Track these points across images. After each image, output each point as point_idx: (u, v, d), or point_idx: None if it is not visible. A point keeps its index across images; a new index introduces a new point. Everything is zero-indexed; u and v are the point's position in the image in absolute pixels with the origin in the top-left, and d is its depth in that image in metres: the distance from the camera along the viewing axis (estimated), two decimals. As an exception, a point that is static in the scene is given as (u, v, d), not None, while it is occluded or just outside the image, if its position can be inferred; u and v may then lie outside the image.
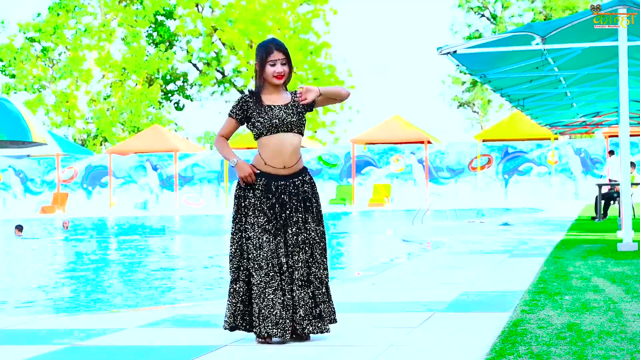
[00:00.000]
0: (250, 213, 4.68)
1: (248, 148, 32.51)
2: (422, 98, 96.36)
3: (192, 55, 48.54)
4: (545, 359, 3.94)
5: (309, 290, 4.65)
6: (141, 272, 11.23)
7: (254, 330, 4.64)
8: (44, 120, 45.71)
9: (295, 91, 4.87)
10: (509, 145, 31.91)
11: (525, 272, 7.73)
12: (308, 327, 4.62)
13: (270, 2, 44.69)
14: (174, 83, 49.64)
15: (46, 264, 13.26)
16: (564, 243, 11.06)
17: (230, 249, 4.74)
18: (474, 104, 53.29)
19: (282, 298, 4.59)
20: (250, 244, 4.65)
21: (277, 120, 4.70)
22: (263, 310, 4.58)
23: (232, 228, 4.75)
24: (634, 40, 10.63)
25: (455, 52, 10.93)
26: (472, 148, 32.26)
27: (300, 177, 4.77)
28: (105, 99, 46.90)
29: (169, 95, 49.85)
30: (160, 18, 48.42)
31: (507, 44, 11.16)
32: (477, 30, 49.24)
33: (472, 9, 49.24)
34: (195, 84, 49.53)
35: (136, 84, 47.62)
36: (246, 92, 4.87)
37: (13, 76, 45.33)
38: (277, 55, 4.73)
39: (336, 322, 4.77)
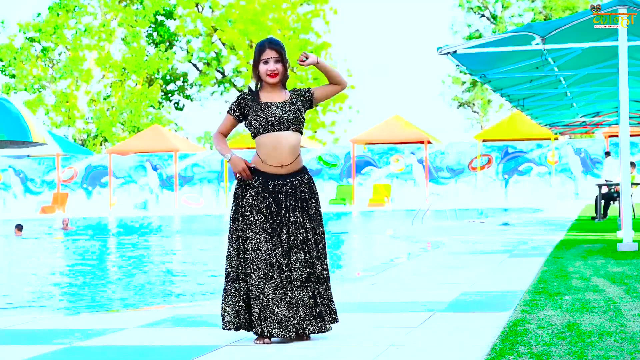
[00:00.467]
0: (248, 213, 4.67)
1: (248, 148, 32.50)
2: (422, 98, 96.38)
3: (192, 55, 48.55)
4: (545, 359, 3.94)
5: (308, 290, 4.64)
6: (141, 272, 11.23)
7: (254, 330, 4.64)
8: (44, 120, 45.70)
9: (295, 89, 4.87)
10: (509, 145, 31.91)
11: (525, 272, 7.73)
12: (309, 327, 4.62)
13: (270, 2, 44.69)
14: (174, 83, 49.64)
15: (46, 263, 13.26)
16: (564, 243, 11.06)
17: (229, 249, 4.74)
18: (474, 104, 53.29)
19: (283, 297, 4.59)
20: (248, 244, 4.65)
21: (273, 118, 4.68)
22: (263, 311, 4.58)
23: (231, 228, 4.75)
24: (634, 40, 10.63)
25: (455, 52, 10.94)
26: (472, 148, 32.26)
27: (298, 177, 4.75)
28: (105, 99, 46.90)
29: (169, 95, 49.85)
30: (160, 18, 48.41)
31: (507, 44, 11.16)
32: (477, 30, 49.24)
33: (472, 9, 49.24)
34: (195, 84, 49.54)
35: (136, 84, 47.61)
36: (245, 90, 4.87)
37: (13, 76, 45.32)
38: (269, 53, 4.71)
39: (338, 321, 4.77)
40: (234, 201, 4.76)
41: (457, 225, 17.08)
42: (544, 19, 45.74)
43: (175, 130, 49.41)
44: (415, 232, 15.73)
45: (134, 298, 8.51)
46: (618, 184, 16.64)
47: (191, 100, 50.44)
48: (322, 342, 4.61)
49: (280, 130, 4.69)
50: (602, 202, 17.32)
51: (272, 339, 4.64)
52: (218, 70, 48.45)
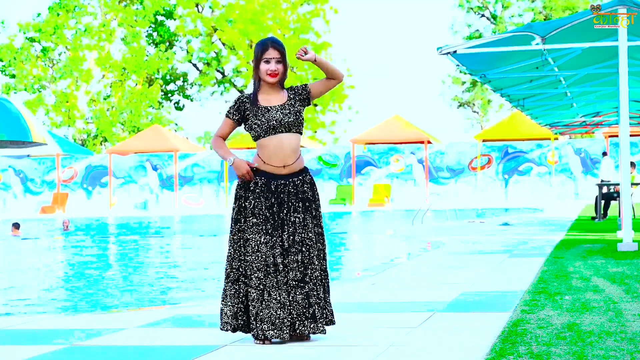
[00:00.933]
0: (250, 214, 4.67)
1: (248, 148, 32.51)
2: (422, 98, 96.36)
3: (192, 55, 48.55)
4: (545, 359, 3.94)
5: (303, 291, 4.63)
6: (141, 272, 11.23)
7: (252, 332, 4.63)
8: (44, 120, 45.70)
9: (292, 87, 4.87)
10: (509, 145, 31.91)
11: (525, 272, 7.73)
12: (300, 328, 4.61)
13: (270, 2, 44.68)
14: (174, 83, 49.64)
15: (46, 263, 13.26)
16: (564, 243, 11.06)
17: (229, 250, 4.73)
18: (474, 104, 53.28)
19: (279, 298, 4.58)
20: (249, 245, 4.64)
21: (274, 122, 4.69)
22: (261, 312, 4.57)
23: (232, 229, 4.74)
24: (634, 40, 10.63)
25: (455, 52, 10.93)
26: (472, 148, 32.26)
27: (300, 177, 4.76)
28: (105, 99, 46.90)
29: (169, 95, 49.86)
30: (160, 18, 48.41)
31: (507, 44, 11.16)
32: (477, 30, 49.24)
33: (472, 9, 49.24)
34: (195, 84, 49.55)
35: (136, 84, 47.61)
36: (243, 93, 4.86)
37: (13, 76, 45.32)
38: (272, 53, 4.72)
39: (334, 323, 4.74)
40: (235, 202, 4.76)
41: (457, 225, 17.08)
42: (544, 19, 45.73)
43: (175, 130, 49.42)
44: (415, 232, 15.74)
45: (134, 298, 8.51)
46: (617, 184, 16.66)
47: (191, 100, 50.45)
48: (322, 342, 4.61)
49: (281, 132, 4.70)
50: (602, 202, 17.32)
51: (273, 340, 4.64)
52: (218, 70, 48.46)
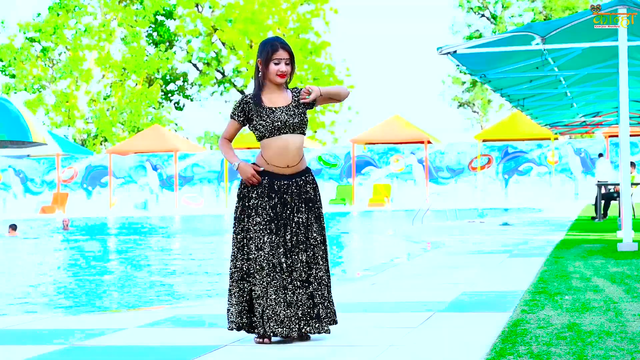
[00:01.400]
0: (254, 213, 4.67)
1: (248, 148, 32.52)
2: (422, 98, 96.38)
3: (192, 55, 48.55)
4: (545, 359, 3.94)
5: (307, 291, 4.65)
6: (141, 272, 11.23)
7: (256, 330, 4.63)
8: (44, 120, 45.69)
9: (296, 88, 4.87)
10: (509, 145, 31.91)
11: (525, 272, 7.73)
12: (305, 328, 4.62)
13: (270, 2, 44.68)
14: (174, 83, 49.64)
15: (46, 263, 13.26)
16: (564, 243, 11.06)
17: (233, 249, 4.73)
18: (474, 104, 53.27)
19: (285, 297, 4.59)
20: (252, 244, 4.65)
21: (279, 123, 4.70)
22: (267, 311, 4.58)
23: (235, 228, 4.74)
24: (634, 40, 10.63)
25: (455, 52, 10.93)
26: (472, 148, 32.26)
27: (303, 177, 4.77)
28: (105, 99, 46.90)
29: (169, 95, 49.85)
30: (160, 18, 48.41)
31: (507, 44, 11.15)
32: (477, 30, 49.23)
33: (472, 9, 49.23)
34: (195, 84, 49.54)
35: (136, 84, 47.62)
36: (247, 94, 4.87)
37: (13, 76, 45.32)
38: (282, 54, 4.73)
39: (336, 323, 4.76)
40: (238, 202, 4.76)
41: (457, 225, 17.08)
42: (544, 19, 45.73)
43: (175, 130, 49.41)
44: (415, 232, 15.74)
45: (134, 298, 8.51)
46: (616, 184, 16.65)
47: (191, 100, 50.45)
48: (322, 342, 4.61)
49: (286, 133, 4.71)
50: (602, 202, 17.32)
51: (273, 339, 4.64)
52: (218, 70, 48.45)
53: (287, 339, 4.63)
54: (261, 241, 4.62)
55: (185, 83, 49.65)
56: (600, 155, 20.38)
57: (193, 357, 4.32)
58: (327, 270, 4.75)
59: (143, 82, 47.31)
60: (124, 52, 46.51)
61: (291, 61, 4.76)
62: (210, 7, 47.76)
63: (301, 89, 4.86)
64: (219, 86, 48.98)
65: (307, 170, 4.82)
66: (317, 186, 4.82)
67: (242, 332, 4.76)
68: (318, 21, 55.86)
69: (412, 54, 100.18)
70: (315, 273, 4.68)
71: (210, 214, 29.21)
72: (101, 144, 47.48)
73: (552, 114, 21.02)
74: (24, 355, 4.53)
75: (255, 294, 4.61)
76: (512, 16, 48.70)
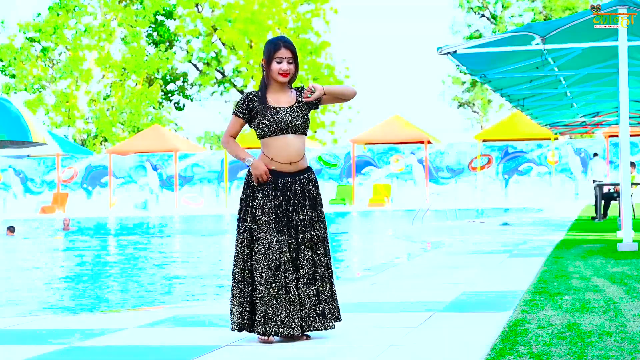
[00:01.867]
0: (259, 213, 4.67)
1: (248, 148, 32.51)
2: (422, 98, 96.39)
3: (192, 55, 48.54)
4: (545, 359, 3.94)
5: (313, 288, 4.67)
6: (141, 272, 11.23)
7: (258, 329, 4.62)
8: (44, 120, 45.69)
9: (299, 88, 4.87)
10: (509, 145, 31.91)
11: (525, 272, 7.73)
12: (314, 324, 4.64)
13: (270, 2, 44.67)
14: (174, 83, 49.64)
15: (46, 263, 13.26)
16: (564, 243, 11.06)
17: (237, 249, 4.72)
18: (474, 104, 53.27)
19: (289, 297, 4.59)
20: (260, 244, 4.63)
21: (283, 123, 4.70)
22: (269, 310, 4.57)
23: (239, 228, 4.73)
24: (634, 40, 10.62)
25: (455, 52, 10.93)
26: (472, 148, 32.25)
27: (306, 175, 4.78)
28: (105, 99, 46.89)
29: (169, 95, 49.85)
30: (160, 18, 48.40)
31: (507, 44, 11.15)
32: (477, 30, 49.23)
33: (472, 9, 49.23)
34: (195, 84, 49.53)
35: (136, 84, 47.61)
36: (251, 91, 4.85)
37: (13, 76, 45.32)
38: (284, 53, 4.73)
39: (340, 320, 4.78)
40: (242, 202, 4.75)
41: (457, 225, 17.08)
42: (544, 19, 45.73)
43: (175, 130, 49.40)
44: (415, 232, 15.73)
45: (134, 298, 8.51)
46: (616, 184, 16.66)
47: (191, 100, 50.44)
48: (322, 342, 4.61)
49: (288, 133, 4.72)
50: (602, 202, 17.32)
51: (274, 338, 4.64)
52: (218, 70, 48.44)
53: (289, 339, 4.63)
54: (267, 241, 4.62)
55: (185, 83, 49.65)
56: (595, 155, 20.43)
57: (193, 357, 4.32)
58: (330, 267, 4.77)
59: (143, 82, 47.30)
60: (124, 52, 46.51)
61: (294, 60, 4.75)
62: (210, 7, 47.77)
63: (305, 88, 4.86)
64: (219, 86, 48.98)
65: (309, 169, 4.83)
66: (318, 184, 4.85)
67: (244, 332, 4.76)
68: (318, 21, 55.89)
69: (412, 54, 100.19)
70: (320, 270, 4.70)
71: (210, 214, 29.21)
72: (101, 144, 47.48)
73: (552, 114, 21.02)
74: (24, 355, 4.53)
75: (259, 294, 4.60)
76: (512, 16, 48.71)
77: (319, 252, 4.71)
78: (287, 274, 4.62)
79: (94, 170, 35.12)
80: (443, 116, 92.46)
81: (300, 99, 4.80)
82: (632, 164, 17.47)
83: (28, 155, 34.03)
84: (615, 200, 17.34)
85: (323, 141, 47.95)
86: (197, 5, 47.81)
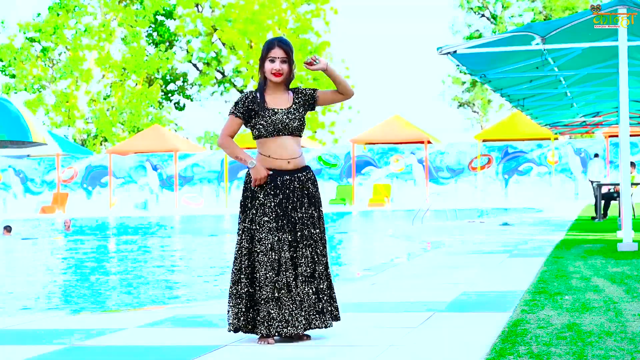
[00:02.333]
0: (260, 213, 4.67)
1: (248, 148, 32.49)
2: (422, 98, 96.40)
3: (192, 55, 48.54)
4: (545, 359, 3.94)
5: (312, 286, 4.66)
6: (141, 272, 11.23)
7: (261, 330, 4.61)
8: (44, 120, 45.69)
9: (297, 88, 4.86)
10: (509, 145, 31.91)
11: (525, 272, 7.73)
12: (314, 322, 4.64)
13: (270, 2, 44.67)
14: (174, 83, 49.64)
15: (46, 263, 13.26)
16: (564, 243, 11.06)
17: (236, 250, 4.72)
18: (474, 104, 53.27)
19: (290, 296, 4.59)
20: (262, 244, 4.63)
21: (280, 126, 4.70)
22: (273, 310, 4.57)
23: (240, 228, 4.72)
24: (634, 40, 10.62)
25: (455, 52, 10.93)
26: (472, 148, 32.25)
27: (304, 173, 4.78)
28: (105, 99, 46.90)
29: (169, 95, 49.85)
30: (160, 18, 48.41)
31: (507, 44, 11.15)
32: (477, 30, 49.23)
33: (472, 9, 49.23)
34: (195, 84, 49.53)
35: (136, 84, 47.61)
36: (249, 91, 4.84)
37: (13, 76, 45.32)
38: (277, 53, 4.71)
39: (339, 319, 4.78)
40: (243, 202, 4.74)
41: (457, 225, 17.08)
42: (544, 19, 45.73)
43: (176, 130, 49.41)
44: (415, 232, 15.73)
45: (134, 298, 8.51)
46: (616, 184, 16.66)
47: (191, 100, 50.45)
48: (322, 342, 4.60)
49: (284, 135, 4.71)
50: (602, 202, 17.32)
51: (274, 339, 4.64)
52: (218, 70, 48.44)
53: (288, 339, 4.63)
54: (269, 241, 4.62)
55: (185, 83, 49.65)
56: (596, 155, 20.42)
57: (193, 357, 4.32)
58: (327, 266, 4.77)
59: (143, 82, 47.30)
60: (124, 52, 46.51)
61: (288, 59, 4.72)
62: (210, 7, 47.76)
63: (304, 89, 4.85)
64: (219, 86, 48.98)
65: (308, 168, 4.84)
66: (317, 183, 4.84)
67: (239, 333, 4.75)
68: (318, 21, 55.88)
69: (412, 54, 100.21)
70: (318, 268, 4.70)
71: (210, 214, 29.21)
72: (101, 144, 47.48)
73: (552, 114, 21.02)
74: (24, 355, 4.53)
75: (263, 295, 4.59)
76: (512, 16, 48.71)
77: (318, 250, 4.71)
78: (288, 273, 4.62)
79: (94, 170, 35.12)
80: (443, 116, 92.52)
81: (297, 100, 4.80)
82: (632, 164, 17.47)
83: (28, 155, 34.03)
84: (615, 200, 17.34)
85: (323, 141, 47.96)
86: (197, 5, 47.81)
